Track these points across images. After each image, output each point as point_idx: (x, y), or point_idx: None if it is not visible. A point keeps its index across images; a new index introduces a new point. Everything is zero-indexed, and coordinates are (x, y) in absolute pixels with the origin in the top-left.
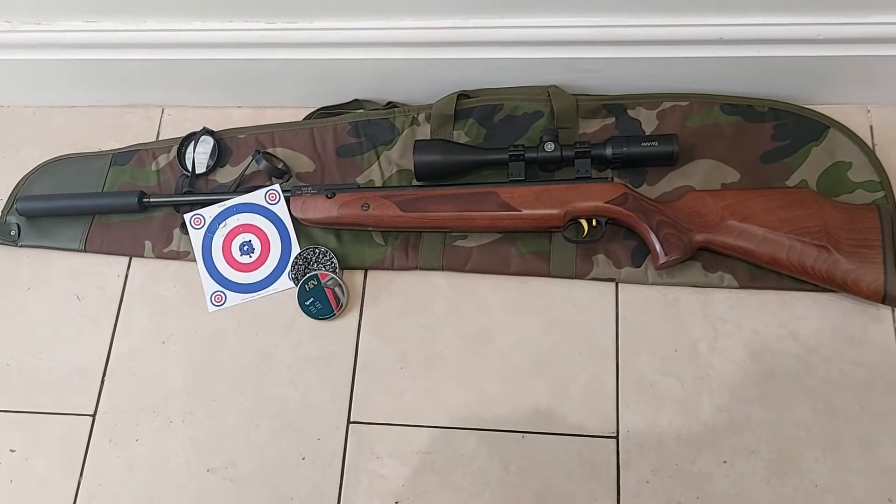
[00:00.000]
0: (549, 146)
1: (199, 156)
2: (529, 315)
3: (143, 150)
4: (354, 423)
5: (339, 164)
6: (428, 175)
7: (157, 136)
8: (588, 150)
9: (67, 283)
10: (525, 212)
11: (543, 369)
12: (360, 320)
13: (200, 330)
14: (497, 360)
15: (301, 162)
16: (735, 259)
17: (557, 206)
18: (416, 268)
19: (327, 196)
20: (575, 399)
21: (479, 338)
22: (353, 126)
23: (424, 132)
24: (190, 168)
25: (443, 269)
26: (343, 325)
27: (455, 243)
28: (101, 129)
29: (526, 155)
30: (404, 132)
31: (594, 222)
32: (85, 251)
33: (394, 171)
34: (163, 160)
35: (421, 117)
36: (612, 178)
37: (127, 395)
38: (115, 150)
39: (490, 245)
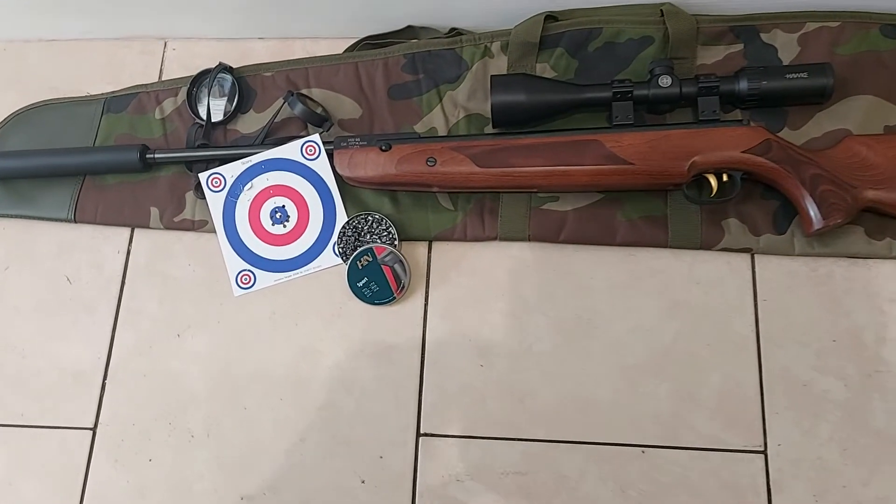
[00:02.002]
0: (665, 80)
1: (216, 99)
2: (642, 297)
3: (143, 93)
4: (425, 435)
5: (393, 107)
6: (508, 120)
7: (160, 76)
8: (716, 84)
9: (55, 262)
10: (638, 165)
11: (664, 367)
12: (425, 305)
13: (225, 319)
14: (603, 355)
15: (344, 106)
16: None
17: (680, 157)
18: (494, 238)
19: (381, 149)
20: (707, 404)
21: (578, 327)
22: (410, 59)
23: (500, 66)
24: (204, 115)
25: (529, 239)
26: (405, 312)
27: (544, 207)
28: (91, 68)
29: (635, 92)
30: (474, 66)
31: (725, 177)
32: (75, 221)
33: (460, 115)
34: (169, 106)
35: (495, 47)
36: (749, 120)
37: (135, 402)
38: (108, 93)
39: (589, 208)
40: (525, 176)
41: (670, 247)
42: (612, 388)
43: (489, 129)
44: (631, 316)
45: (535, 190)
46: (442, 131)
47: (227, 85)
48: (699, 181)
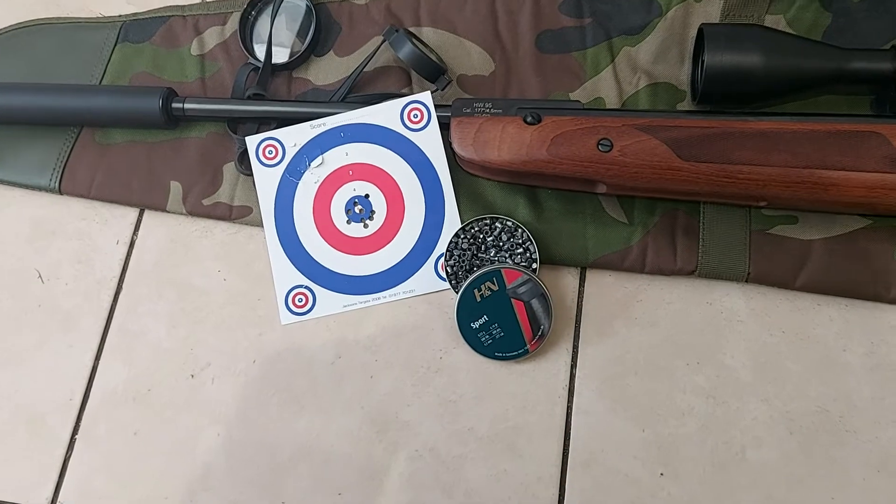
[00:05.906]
0: None
1: (281, 32)
2: None
3: (177, 17)
4: None
5: (541, 64)
6: (724, 94)
7: None
8: None
9: (24, 249)
10: None
11: None
12: (572, 367)
13: (265, 358)
14: (863, 474)
15: (469, 57)
16: None
17: None
18: (691, 272)
19: (526, 120)
20: None
21: (822, 427)
22: None
23: (709, 14)
24: (262, 55)
25: (747, 279)
26: (542, 374)
27: (773, 231)
28: None
29: None
30: (669, 12)
31: None
32: (60, 192)
33: (641, 83)
34: (212, 38)
35: None
36: None
37: (118, 472)
38: (127, 15)
39: (848, 240)
40: (756, 180)
41: None
42: None
43: (684, 106)
44: None
45: (762, 203)
46: (612, 104)
47: (300, 13)
48: None
